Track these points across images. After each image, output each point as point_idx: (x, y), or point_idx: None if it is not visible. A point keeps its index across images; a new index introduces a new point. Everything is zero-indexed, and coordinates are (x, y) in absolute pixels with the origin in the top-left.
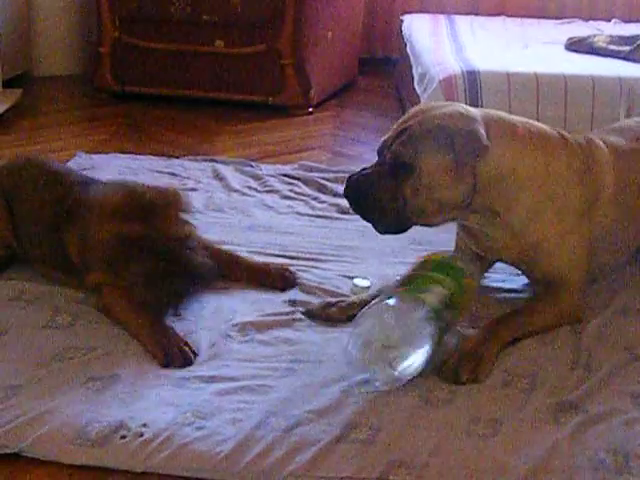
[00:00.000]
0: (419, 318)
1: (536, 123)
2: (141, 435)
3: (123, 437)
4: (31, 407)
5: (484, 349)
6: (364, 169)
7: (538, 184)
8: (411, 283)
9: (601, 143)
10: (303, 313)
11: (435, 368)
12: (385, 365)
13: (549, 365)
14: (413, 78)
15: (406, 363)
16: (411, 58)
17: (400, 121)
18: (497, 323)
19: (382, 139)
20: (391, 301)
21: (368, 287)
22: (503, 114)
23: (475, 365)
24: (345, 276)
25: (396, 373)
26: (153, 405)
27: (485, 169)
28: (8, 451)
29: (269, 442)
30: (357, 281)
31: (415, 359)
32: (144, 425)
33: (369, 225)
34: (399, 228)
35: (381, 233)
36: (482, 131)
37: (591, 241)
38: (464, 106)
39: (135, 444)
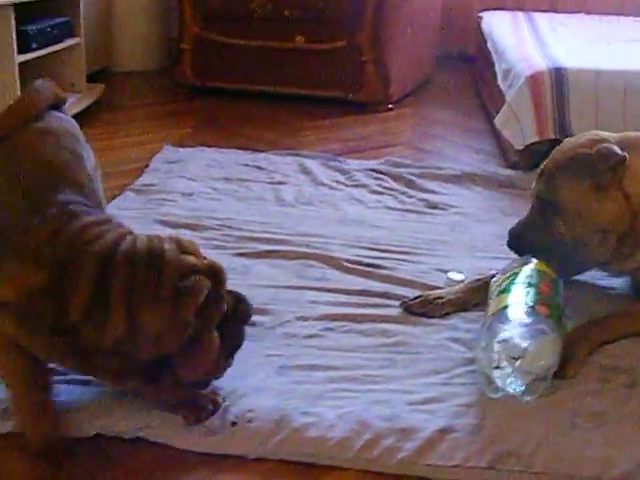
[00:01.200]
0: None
1: None
2: (250, 421)
3: (233, 424)
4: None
5: (575, 349)
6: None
7: None
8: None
9: None
10: (401, 307)
11: None
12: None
13: None
14: (495, 75)
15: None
16: (493, 55)
17: (542, 165)
18: (592, 325)
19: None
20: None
21: (462, 281)
22: (625, 133)
23: (564, 363)
24: (438, 269)
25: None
26: (254, 392)
27: (634, 184)
28: (127, 436)
29: (377, 429)
30: (451, 275)
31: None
32: (250, 411)
33: (459, 220)
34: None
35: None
36: (614, 147)
37: None
38: (598, 132)
39: (247, 430)
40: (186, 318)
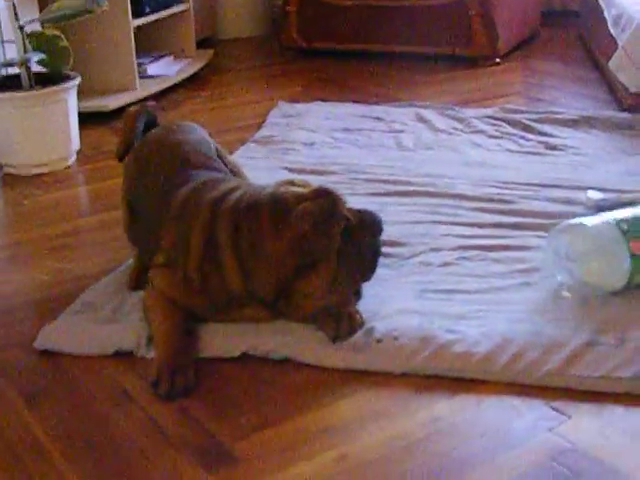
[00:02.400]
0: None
1: None
2: (396, 339)
3: (379, 341)
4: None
5: None
6: None
7: None
8: None
9: None
10: None
11: None
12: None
13: None
14: (604, 23)
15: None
16: (601, 2)
17: None
18: None
19: None
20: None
21: (602, 199)
22: None
23: None
24: (567, 202)
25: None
26: (396, 313)
27: None
28: (275, 356)
29: (521, 345)
30: (591, 193)
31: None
32: (395, 330)
33: (579, 160)
34: None
35: None
36: None
37: None
38: None
39: (393, 347)
40: (300, 237)
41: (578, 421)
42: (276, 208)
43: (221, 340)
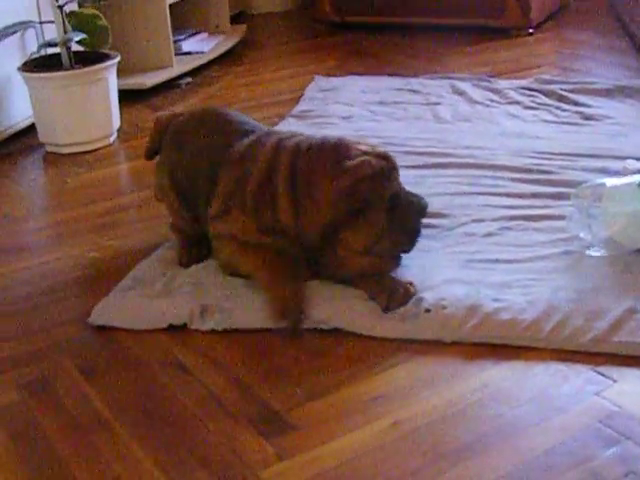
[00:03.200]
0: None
1: None
2: (444, 308)
3: (427, 311)
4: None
5: None
6: None
7: None
8: None
9: None
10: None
11: None
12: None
13: None
14: None
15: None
16: None
17: None
18: None
19: None
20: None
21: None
22: None
23: None
24: (605, 172)
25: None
26: (443, 283)
27: None
28: (325, 327)
29: (566, 311)
30: (629, 162)
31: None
32: (443, 299)
33: (616, 129)
34: None
35: None
36: None
37: None
38: None
39: (442, 316)
40: (355, 186)
41: (624, 385)
42: (339, 153)
43: (268, 312)
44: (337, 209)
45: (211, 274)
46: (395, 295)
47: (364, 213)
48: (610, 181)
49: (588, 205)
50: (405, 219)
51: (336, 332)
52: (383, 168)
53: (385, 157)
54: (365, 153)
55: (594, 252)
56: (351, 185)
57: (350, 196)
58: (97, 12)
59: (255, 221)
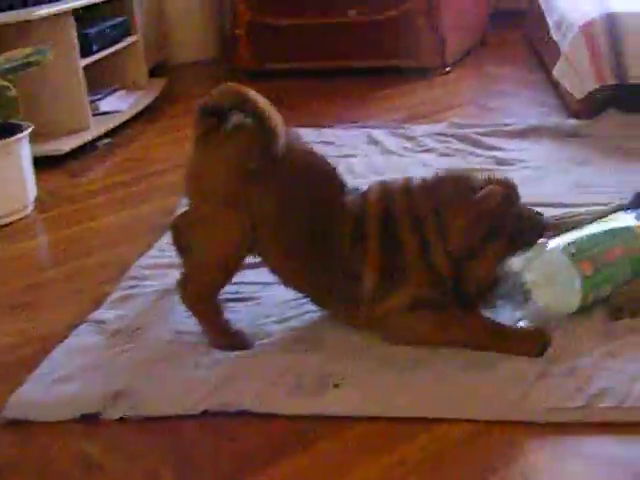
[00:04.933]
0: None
1: None
2: (351, 383)
3: (336, 386)
4: (243, 367)
5: None
6: None
7: None
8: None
9: None
10: None
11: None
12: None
13: None
14: (548, 27)
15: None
16: (543, 6)
17: None
18: None
19: None
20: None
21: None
22: None
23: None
24: None
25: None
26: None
27: None
28: (233, 409)
29: (475, 381)
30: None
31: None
32: (354, 374)
33: (529, 174)
34: None
35: None
36: None
37: None
38: None
39: (350, 391)
40: (486, 212)
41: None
42: (462, 184)
43: (177, 397)
44: (472, 237)
45: (125, 357)
46: (539, 340)
47: (491, 244)
48: (535, 251)
49: (518, 278)
50: (526, 236)
51: (245, 414)
52: (509, 195)
53: (506, 183)
54: (489, 181)
55: (524, 323)
56: (483, 215)
57: (483, 224)
58: (6, 83)
59: (427, 284)
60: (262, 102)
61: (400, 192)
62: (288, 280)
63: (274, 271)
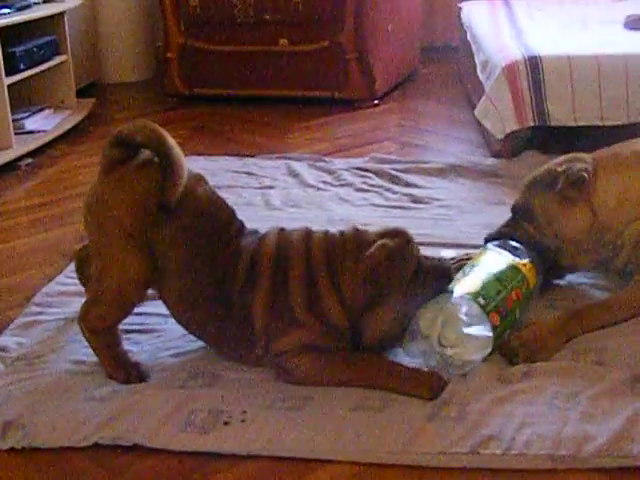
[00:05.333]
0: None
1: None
2: (243, 421)
3: (226, 423)
4: (137, 401)
5: (552, 341)
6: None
7: None
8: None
9: None
10: None
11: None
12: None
13: (617, 339)
14: (475, 65)
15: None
16: (472, 46)
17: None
18: (572, 317)
19: None
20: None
21: (453, 258)
22: (618, 147)
23: (534, 352)
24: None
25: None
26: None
27: (600, 201)
28: (124, 443)
29: (363, 423)
30: (444, 252)
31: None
32: (244, 412)
33: (443, 213)
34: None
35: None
36: (580, 166)
37: None
38: (581, 154)
39: (239, 428)
40: (375, 268)
41: None
42: (359, 242)
43: (68, 429)
44: (359, 296)
45: (20, 386)
46: (434, 383)
47: (386, 294)
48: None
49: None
50: (430, 287)
51: (135, 448)
52: (400, 246)
53: (397, 233)
54: (382, 235)
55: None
56: (370, 271)
57: (370, 281)
58: None
59: (317, 332)
60: (175, 147)
61: (298, 240)
62: (182, 323)
63: (169, 310)
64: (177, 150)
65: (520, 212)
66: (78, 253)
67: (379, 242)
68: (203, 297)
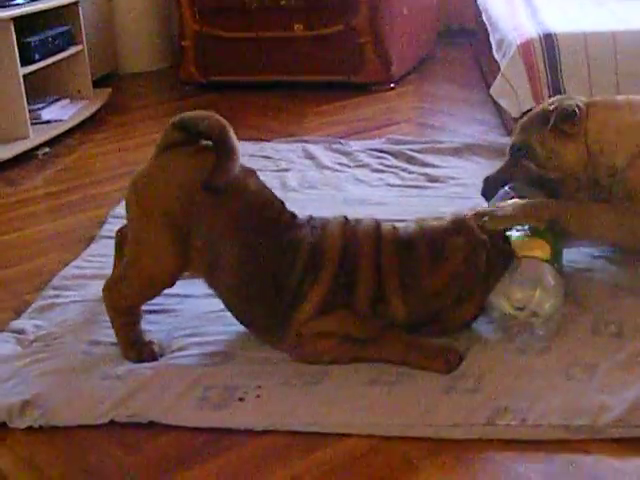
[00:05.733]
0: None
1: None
2: (258, 396)
3: (241, 399)
4: (152, 379)
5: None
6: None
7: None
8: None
9: None
10: None
11: None
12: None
13: (634, 312)
14: (491, 46)
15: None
16: (487, 26)
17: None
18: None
19: None
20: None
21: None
22: (611, 96)
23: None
24: None
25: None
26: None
27: (592, 135)
28: (140, 420)
29: (378, 396)
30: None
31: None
32: (259, 387)
33: (458, 191)
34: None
35: None
36: (571, 102)
37: None
38: (572, 96)
39: (254, 405)
40: (456, 271)
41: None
42: (431, 243)
43: (85, 407)
44: (445, 298)
45: (38, 367)
46: (450, 357)
47: (468, 291)
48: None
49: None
50: (501, 268)
51: (151, 425)
52: (470, 242)
53: (461, 225)
54: (449, 233)
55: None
56: (452, 276)
57: (454, 286)
58: None
59: (369, 319)
60: (235, 140)
61: (367, 234)
62: (233, 311)
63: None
64: (236, 142)
65: (519, 151)
66: (118, 233)
67: (451, 243)
68: (257, 290)
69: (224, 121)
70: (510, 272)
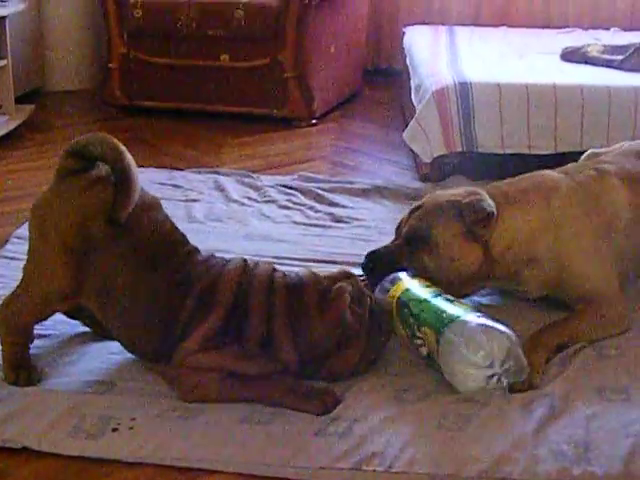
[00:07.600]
0: None
1: (538, 173)
2: (131, 428)
3: (114, 430)
4: (29, 404)
5: (533, 357)
6: (383, 246)
7: (548, 231)
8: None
9: (612, 169)
10: None
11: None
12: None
13: None
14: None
15: None
16: (410, 70)
17: (414, 204)
18: (541, 332)
19: (399, 220)
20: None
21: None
22: (507, 181)
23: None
24: None
25: None
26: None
27: (496, 238)
28: (13, 445)
29: (250, 435)
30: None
31: None
32: (133, 419)
33: (360, 233)
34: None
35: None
36: (486, 203)
37: (614, 258)
38: (476, 189)
39: (126, 436)
40: (341, 314)
41: None
42: (320, 288)
43: None
44: (330, 341)
45: None
46: (327, 399)
47: (350, 336)
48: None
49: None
50: (383, 322)
51: (26, 451)
52: (355, 288)
53: (347, 276)
54: (335, 279)
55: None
56: (337, 318)
57: (339, 327)
58: None
59: (258, 358)
60: (133, 165)
61: (262, 275)
62: (116, 336)
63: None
64: (134, 168)
65: (415, 239)
66: None
67: (338, 287)
68: (145, 321)
69: (119, 146)
70: (445, 349)
